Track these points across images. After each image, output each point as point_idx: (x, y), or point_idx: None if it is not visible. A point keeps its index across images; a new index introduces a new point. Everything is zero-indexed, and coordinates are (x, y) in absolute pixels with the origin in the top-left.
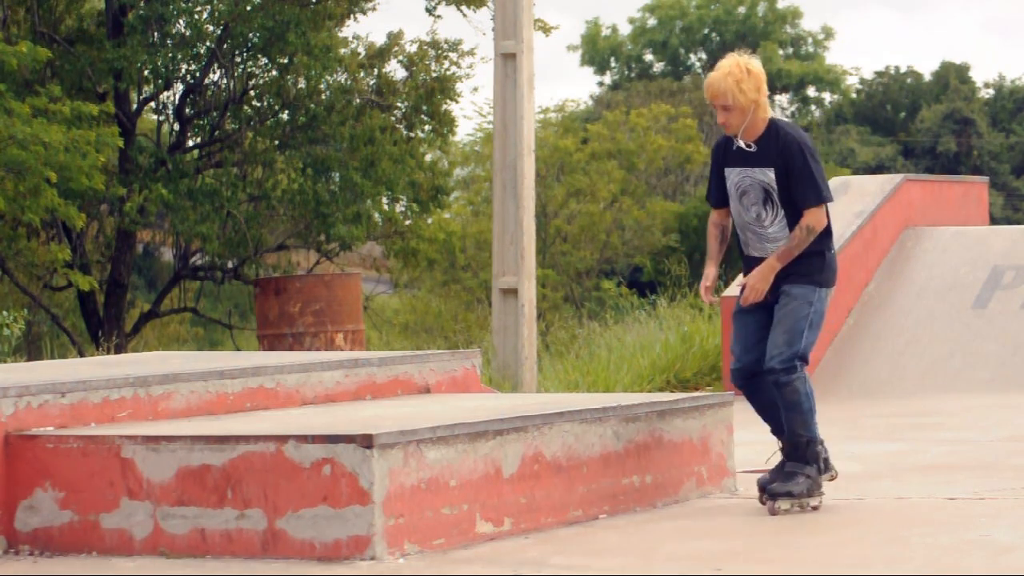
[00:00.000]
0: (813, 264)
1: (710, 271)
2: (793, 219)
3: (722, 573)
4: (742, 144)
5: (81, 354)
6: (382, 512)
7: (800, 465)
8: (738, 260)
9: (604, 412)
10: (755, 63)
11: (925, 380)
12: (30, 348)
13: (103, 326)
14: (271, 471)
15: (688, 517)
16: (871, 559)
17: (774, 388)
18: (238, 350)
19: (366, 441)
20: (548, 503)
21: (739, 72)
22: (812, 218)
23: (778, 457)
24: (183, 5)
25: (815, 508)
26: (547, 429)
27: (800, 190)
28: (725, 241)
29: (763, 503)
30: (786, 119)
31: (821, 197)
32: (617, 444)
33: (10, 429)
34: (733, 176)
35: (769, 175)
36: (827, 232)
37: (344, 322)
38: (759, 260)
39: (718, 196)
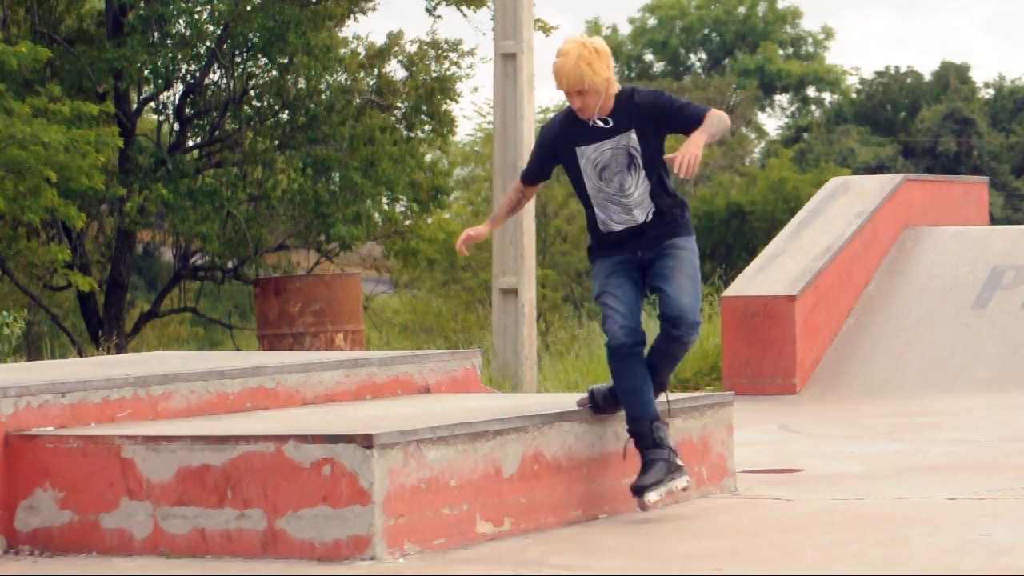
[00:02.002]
0: (687, 215)
1: (483, 228)
2: (653, 180)
3: (722, 573)
4: (599, 123)
5: (81, 354)
6: (382, 512)
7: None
8: (737, 259)
9: None
10: (599, 41)
11: (925, 380)
12: (30, 348)
13: (103, 326)
14: (271, 471)
15: (688, 517)
16: (871, 558)
17: (677, 343)
18: (238, 350)
19: (366, 441)
20: (548, 503)
21: (589, 55)
22: (717, 111)
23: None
24: (183, 5)
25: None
26: (547, 429)
27: (686, 118)
28: (515, 210)
29: (646, 507)
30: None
31: (704, 107)
32: (617, 444)
33: (10, 429)
34: (588, 153)
35: (632, 137)
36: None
37: (344, 322)
38: (623, 232)
39: (536, 173)
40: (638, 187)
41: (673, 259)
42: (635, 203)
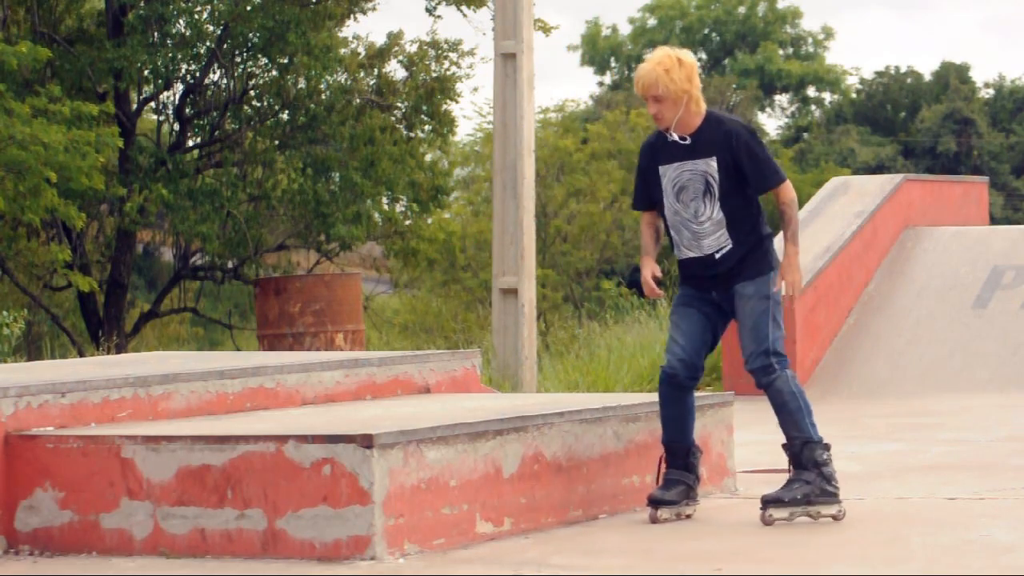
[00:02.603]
0: (757, 255)
1: (652, 265)
2: (728, 211)
3: (722, 573)
4: (676, 137)
5: (81, 354)
6: (382, 512)
7: (798, 471)
8: None
9: (604, 412)
10: (687, 54)
11: (925, 380)
12: (30, 348)
13: (103, 326)
14: (271, 471)
15: (688, 517)
16: (871, 559)
17: (761, 388)
18: (238, 350)
19: (366, 441)
20: (548, 503)
21: (669, 61)
22: (787, 193)
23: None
24: (183, 5)
25: (833, 518)
26: (547, 429)
27: (761, 174)
28: (659, 240)
29: (655, 519)
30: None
31: (782, 175)
32: (617, 444)
33: (10, 429)
34: (669, 173)
35: (711, 164)
36: (761, 215)
37: (344, 322)
38: (694, 260)
39: (643, 198)
40: (712, 217)
41: (739, 311)
42: (705, 232)
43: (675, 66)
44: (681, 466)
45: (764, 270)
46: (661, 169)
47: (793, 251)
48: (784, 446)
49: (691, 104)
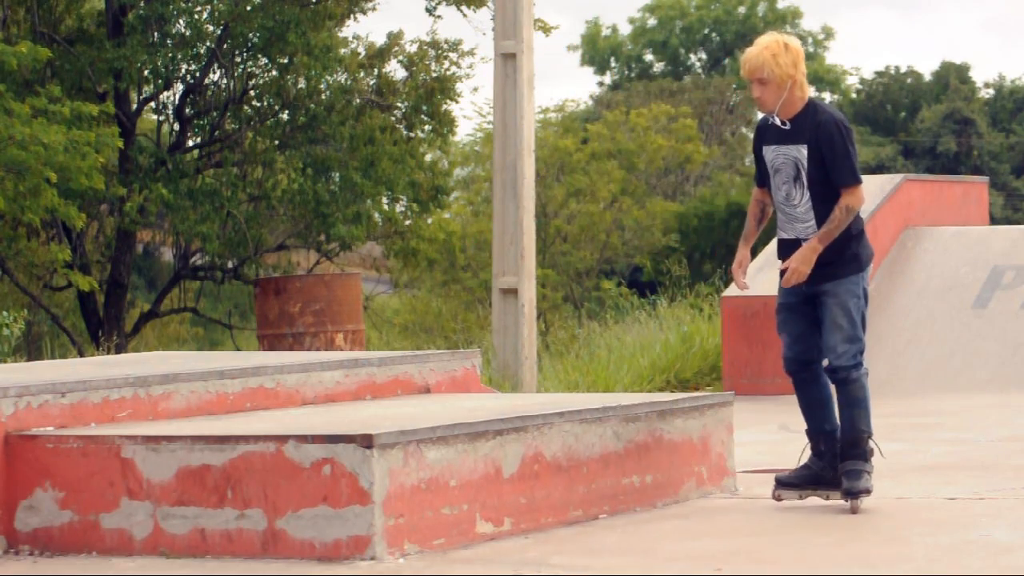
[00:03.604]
0: (849, 252)
1: (743, 253)
2: (817, 200)
3: (722, 573)
4: (777, 121)
5: (81, 354)
6: (382, 512)
7: (861, 462)
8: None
9: (604, 412)
10: (793, 40)
11: (925, 380)
12: (30, 348)
13: (103, 326)
14: (271, 471)
15: (688, 517)
16: (871, 559)
17: (839, 386)
18: (238, 350)
19: (366, 441)
20: (548, 503)
21: (776, 46)
22: (850, 198)
23: (807, 454)
24: (183, 5)
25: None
26: (547, 429)
27: (836, 169)
28: (763, 221)
29: (776, 498)
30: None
31: (856, 177)
32: (617, 444)
33: (10, 429)
34: (769, 154)
35: (802, 151)
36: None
37: (344, 322)
38: (789, 242)
39: (760, 175)
40: (802, 203)
41: (826, 308)
42: (799, 217)
43: (782, 51)
44: (816, 452)
45: (856, 268)
46: (764, 149)
47: (815, 247)
48: (847, 437)
49: (795, 89)
